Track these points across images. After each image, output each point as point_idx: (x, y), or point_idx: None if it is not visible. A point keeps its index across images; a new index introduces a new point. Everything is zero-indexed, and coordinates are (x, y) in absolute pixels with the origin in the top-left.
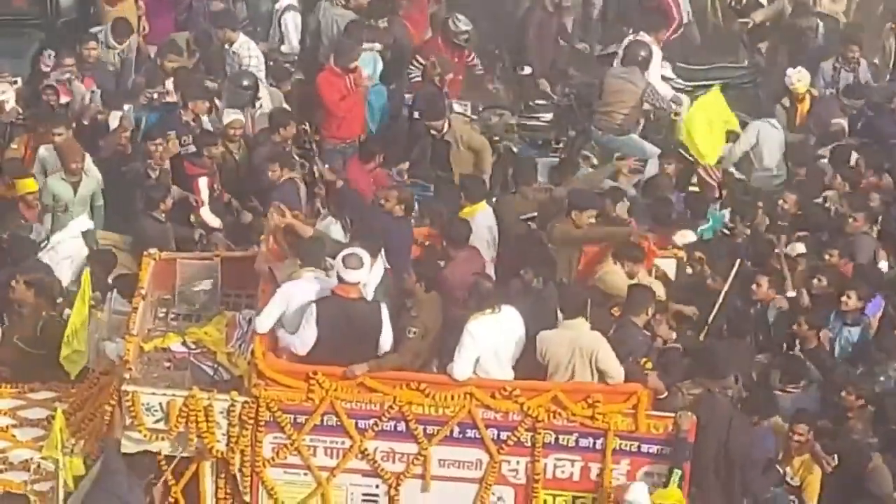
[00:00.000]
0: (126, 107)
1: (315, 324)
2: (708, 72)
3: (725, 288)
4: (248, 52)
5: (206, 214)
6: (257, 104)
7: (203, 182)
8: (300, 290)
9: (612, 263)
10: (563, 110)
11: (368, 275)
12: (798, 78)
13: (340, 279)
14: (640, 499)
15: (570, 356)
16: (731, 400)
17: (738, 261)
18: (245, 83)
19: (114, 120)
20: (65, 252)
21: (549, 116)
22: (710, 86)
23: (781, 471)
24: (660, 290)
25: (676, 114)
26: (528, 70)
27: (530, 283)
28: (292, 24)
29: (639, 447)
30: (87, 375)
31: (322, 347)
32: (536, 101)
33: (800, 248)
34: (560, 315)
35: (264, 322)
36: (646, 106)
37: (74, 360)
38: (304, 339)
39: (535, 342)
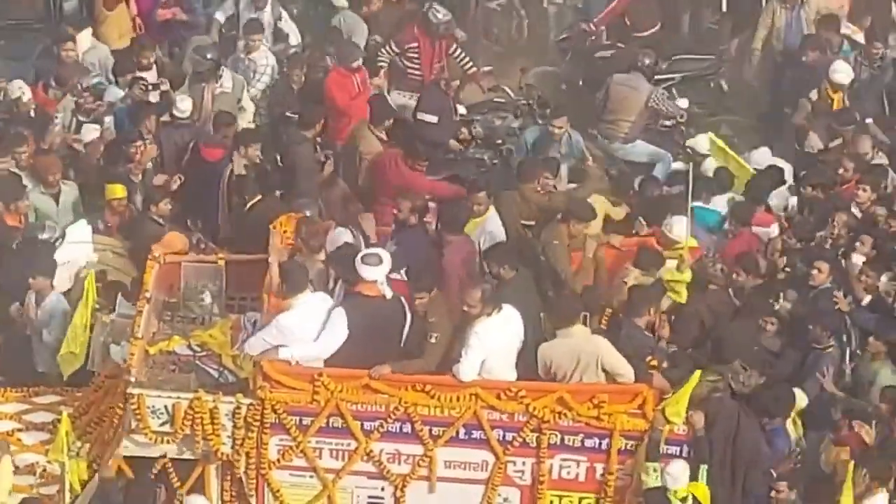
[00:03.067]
0: (107, 119)
1: (345, 325)
2: (671, 64)
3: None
4: (265, 60)
5: None
6: (219, 83)
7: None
8: (298, 318)
9: (638, 273)
10: (522, 110)
11: (386, 272)
12: (842, 70)
13: (362, 278)
14: (680, 477)
15: (576, 364)
16: (744, 386)
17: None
18: (209, 55)
19: (88, 133)
20: (63, 257)
21: (507, 115)
22: (672, 79)
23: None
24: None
25: (682, 117)
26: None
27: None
28: (289, 28)
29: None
30: (91, 379)
31: (350, 347)
32: (495, 100)
33: (858, 259)
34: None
35: (255, 346)
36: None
37: (69, 361)
38: (329, 343)
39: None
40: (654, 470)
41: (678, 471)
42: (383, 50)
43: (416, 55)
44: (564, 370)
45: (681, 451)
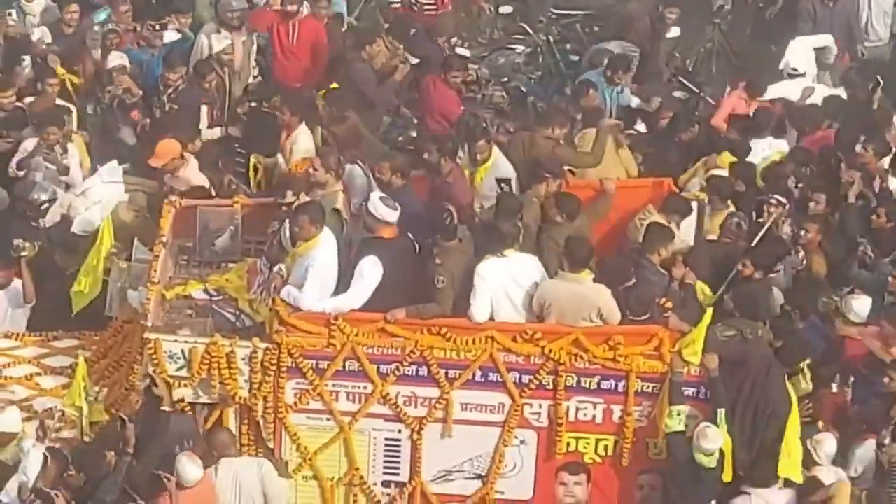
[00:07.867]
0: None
1: (378, 273)
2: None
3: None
4: None
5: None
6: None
7: (204, 110)
8: (328, 253)
9: (660, 216)
10: (542, 45)
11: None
12: None
13: (382, 220)
14: (715, 442)
15: (576, 308)
16: (763, 342)
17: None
18: (234, 4)
19: (113, 60)
20: (95, 196)
21: (526, 50)
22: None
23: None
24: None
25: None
26: (509, 9)
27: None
28: None
29: (660, 388)
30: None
31: (378, 291)
32: (514, 35)
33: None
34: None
35: (313, 300)
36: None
37: (78, 298)
38: (363, 292)
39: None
40: (679, 413)
41: (712, 438)
42: None
43: None
44: (561, 313)
45: (696, 393)
